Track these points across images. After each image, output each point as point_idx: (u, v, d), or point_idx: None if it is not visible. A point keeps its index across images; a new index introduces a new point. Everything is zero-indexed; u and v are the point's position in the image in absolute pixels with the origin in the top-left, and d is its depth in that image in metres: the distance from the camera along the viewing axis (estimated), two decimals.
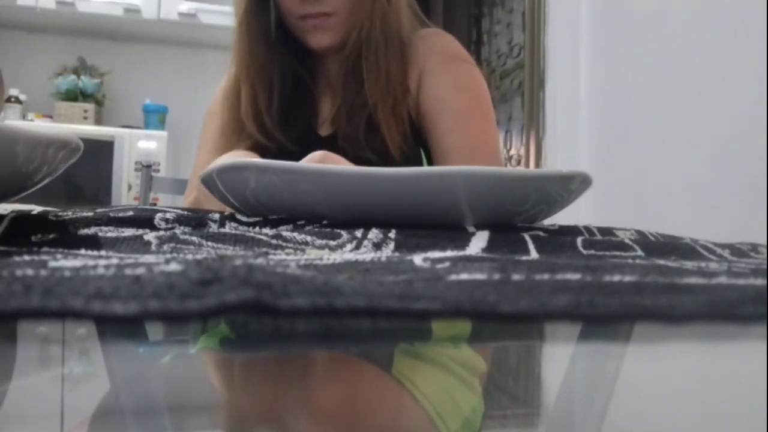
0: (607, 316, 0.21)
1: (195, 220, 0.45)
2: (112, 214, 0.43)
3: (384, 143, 0.91)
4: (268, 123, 0.95)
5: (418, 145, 0.97)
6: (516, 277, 0.26)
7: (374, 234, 0.41)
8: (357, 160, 0.81)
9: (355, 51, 0.94)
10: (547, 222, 0.53)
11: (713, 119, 1.69)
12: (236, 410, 0.31)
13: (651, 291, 0.24)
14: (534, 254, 0.39)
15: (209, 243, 0.37)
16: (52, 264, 0.24)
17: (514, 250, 0.39)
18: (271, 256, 0.33)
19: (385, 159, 0.91)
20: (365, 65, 0.93)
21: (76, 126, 2.74)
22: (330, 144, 0.89)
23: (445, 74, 0.97)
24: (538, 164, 2.46)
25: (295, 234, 0.40)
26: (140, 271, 0.22)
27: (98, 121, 2.93)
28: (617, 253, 0.40)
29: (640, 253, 0.40)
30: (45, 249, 0.34)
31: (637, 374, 0.35)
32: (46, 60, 2.98)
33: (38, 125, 2.76)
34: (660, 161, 1.88)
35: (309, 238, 0.40)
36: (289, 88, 0.99)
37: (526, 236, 0.43)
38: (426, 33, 1.01)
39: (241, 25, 0.97)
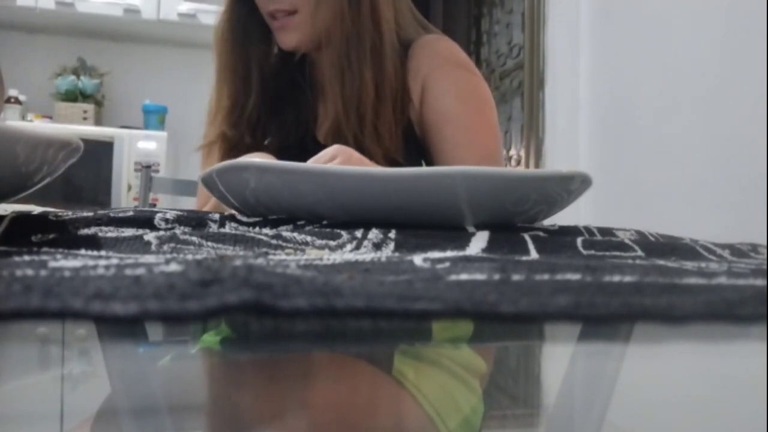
0: (607, 317, 0.21)
1: (195, 220, 0.45)
2: (112, 215, 0.43)
3: (371, 157, 0.89)
4: (225, 126, 0.96)
5: (418, 155, 0.97)
6: (516, 277, 0.26)
7: (374, 234, 0.41)
8: None
9: (331, 55, 0.92)
10: (547, 222, 0.53)
11: (713, 119, 1.69)
12: (235, 411, 0.31)
13: (651, 291, 0.24)
14: (534, 254, 0.39)
15: (209, 243, 0.37)
16: (52, 264, 0.24)
17: (514, 250, 0.39)
18: (271, 257, 0.33)
19: None
20: (329, 70, 0.92)
21: (75, 126, 2.74)
22: None
23: (450, 87, 0.95)
24: (538, 164, 2.46)
25: (295, 234, 0.40)
26: (140, 271, 0.22)
27: (98, 121, 2.93)
28: (617, 253, 0.40)
29: (640, 253, 0.40)
30: (45, 249, 0.34)
31: (637, 374, 0.35)
32: (45, 60, 2.98)
33: (38, 126, 2.76)
34: (660, 161, 1.88)
35: (309, 239, 0.40)
36: (274, 89, 0.98)
37: (526, 236, 0.43)
38: (428, 41, 0.99)
39: (218, 25, 0.98)
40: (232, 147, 0.96)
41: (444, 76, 0.95)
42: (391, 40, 0.93)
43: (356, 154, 0.69)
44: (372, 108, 0.90)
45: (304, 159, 0.63)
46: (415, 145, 0.95)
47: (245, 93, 0.97)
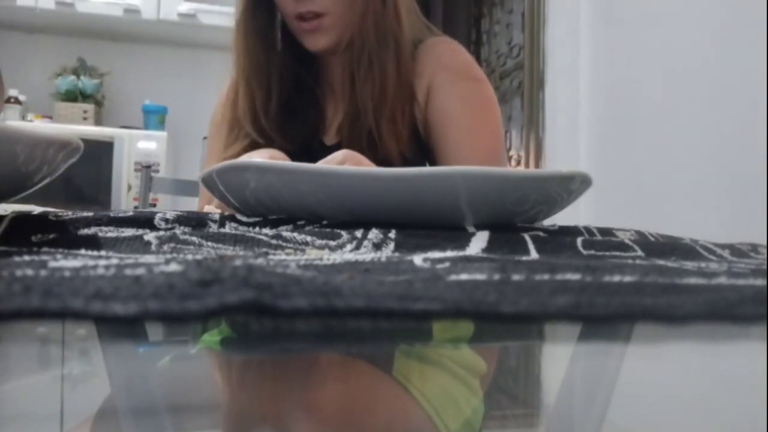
0: (607, 317, 0.21)
1: (195, 220, 0.45)
2: (112, 215, 0.43)
3: (386, 152, 0.91)
4: (265, 123, 0.96)
5: (423, 156, 0.97)
6: (516, 277, 0.26)
7: (374, 234, 0.41)
8: None
9: (354, 54, 0.94)
10: (547, 222, 0.53)
11: (713, 119, 1.69)
12: (237, 411, 0.31)
13: (651, 291, 0.24)
14: (534, 254, 0.39)
15: (209, 243, 0.37)
16: (52, 264, 0.24)
17: (514, 250, 0.39)
18: (271, 257, 0.33)
19: (388, 167, 0.90)
20: (357, 66, 0.93)
21: (75, 126, 2.74)
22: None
23: (455, 89, 0.96)
24: (538, 164, 2.46)
25: (295, 234, 0.40)
26: (140, 271, 0.22)
27: (98, 121, 2.93)
28: (617, 253, 0.40)
29: (640, 253, 0.40)
30: (45, 249, 0.34)
31: (637, 374, 0.35)
32: (45, 60, 2.98)
33: (38, 126, 2.76)
34: (660, 161, 1.88)
35: (309, 239, 0.40)
36: (289, 91, 0.99)
37: (526, 236, 0.43)
38: (433, 43, 1.00)
39: (238, 26, 0.98)
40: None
41: (449, 79, 0.96)
42: (408, 36, 0.95)
43: (365, 160, 0.69)
44: (392, 103, 0.91)
45: (311, 162, 0.63)
46: (418, 145, 0.96)
47: (268, 99, 0.97)
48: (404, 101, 0.93)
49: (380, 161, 0.89)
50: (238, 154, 0.94)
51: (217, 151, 1.03)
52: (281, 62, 0.98)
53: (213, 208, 0.87)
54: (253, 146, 0.96)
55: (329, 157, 0.67)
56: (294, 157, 0.88)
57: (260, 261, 0.27)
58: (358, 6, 0.92)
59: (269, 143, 0.95)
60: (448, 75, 0.97)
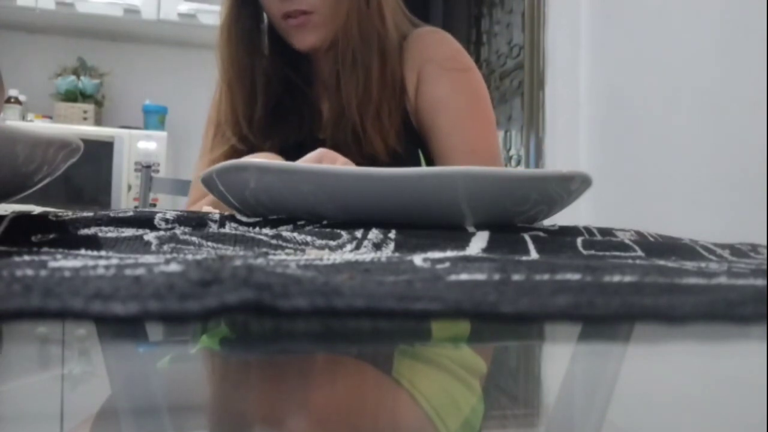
0: (607, 317, 0.21)
1: (195, 220, 0.45)
2: (112, 215, 0.43)
3: (371, 148, 0.91)
4: (247, 131, 0.96)
5: (416, 146, 0.97)
6: (516, 277, 0.26)
7: (374, 234, 0.41)
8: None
9: (338, 52, 0.94)
10: (547, 222, 0.53)
11: (713, 119, 1.69)
12: (235, 411, 0.31)
13: (651, 291, 0.24)
14: (534, 254, 0.39)
15: (209, 243, 0.37)
16: (52, 264, 0.24)
17: (514, 250, 0.39)
18: (271, 257, 0.33)
19: (374, 163, 0.90)
20: (341, 64, 0.93)
21: (75, 126, 2.74)
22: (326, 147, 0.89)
23: (443, 78, 0.97)
24: (538, 164, 2.46)
25: (295, 234, 0.40)
26: (140, 271, 0.22)
27: (98, 121, 2.93)
28: (617, 253, 0.40)
29: (640, 253, 0.40)
30: (45, 249, 0.34)
31: (637, 374, 0.35)
32: (45, 60, 2.98)
33: (38, 126, 2.76)
34: (660, 161, 1.88)
35: (309, 239, 0.40)
36: (278, 95, 0.99)
37: (526, 236, 0.43)
38: (419, 34, 1.01)
39: (222, 30, 0.98)
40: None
41: (436, 67, 0.97)
42: (393, 35, 0.96)
43: (340, 158, 0.70)
44: (377, 100, 0.92)
45: (301, 155, 0.63)
46: (411, 136, 0.97)
47: (252, 105, 0.97)
48: (390, 98, 0.94)
49: (366, 157, 0.90)
50: (220, 159, 0.95)
51: (206, 148, 1.04)
52: (268, 67, 0.98)
53: (211, 208, 0.87)
54: (233, 151, 0.96)
55: (305, 157, 0.67)
56: (287, 151, 0.88)
57: (260, 261, 0.27)
58: (343, 5, 0.92)
59: (251, 150, 0.95)
60: (436, 64, 0.97)
